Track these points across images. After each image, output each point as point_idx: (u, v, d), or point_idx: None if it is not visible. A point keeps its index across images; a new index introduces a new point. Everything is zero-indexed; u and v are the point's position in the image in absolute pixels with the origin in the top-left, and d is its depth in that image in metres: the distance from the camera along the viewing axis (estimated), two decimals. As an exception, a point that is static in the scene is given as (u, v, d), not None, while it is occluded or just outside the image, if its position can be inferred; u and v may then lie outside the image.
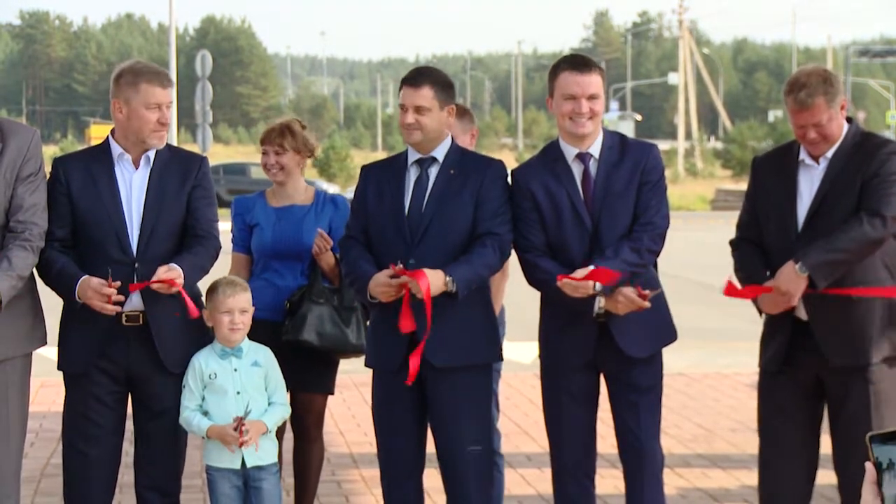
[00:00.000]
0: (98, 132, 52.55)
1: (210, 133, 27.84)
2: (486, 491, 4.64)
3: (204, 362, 4.62)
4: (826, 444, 4.54)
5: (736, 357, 10.43)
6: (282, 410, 4.70)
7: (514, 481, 6.37)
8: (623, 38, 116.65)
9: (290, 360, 4.89)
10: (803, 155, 4.46)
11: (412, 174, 4.62)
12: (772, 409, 4.51)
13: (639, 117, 70.49)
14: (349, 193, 5.47)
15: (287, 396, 4.76)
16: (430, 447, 4.69)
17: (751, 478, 6.37)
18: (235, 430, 4.50)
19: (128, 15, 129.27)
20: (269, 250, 5.18)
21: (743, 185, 47.78)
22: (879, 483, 2.06)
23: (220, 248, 4.73)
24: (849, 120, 4.46)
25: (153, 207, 4.55)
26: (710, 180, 54.66)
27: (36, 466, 6.68)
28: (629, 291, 4.38)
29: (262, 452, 4.63)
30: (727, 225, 16.21)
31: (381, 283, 4.44)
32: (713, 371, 9.83)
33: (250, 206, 5.27)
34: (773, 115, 71.00)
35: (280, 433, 5.04)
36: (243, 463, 4.60)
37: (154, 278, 4.41)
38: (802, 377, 4.44)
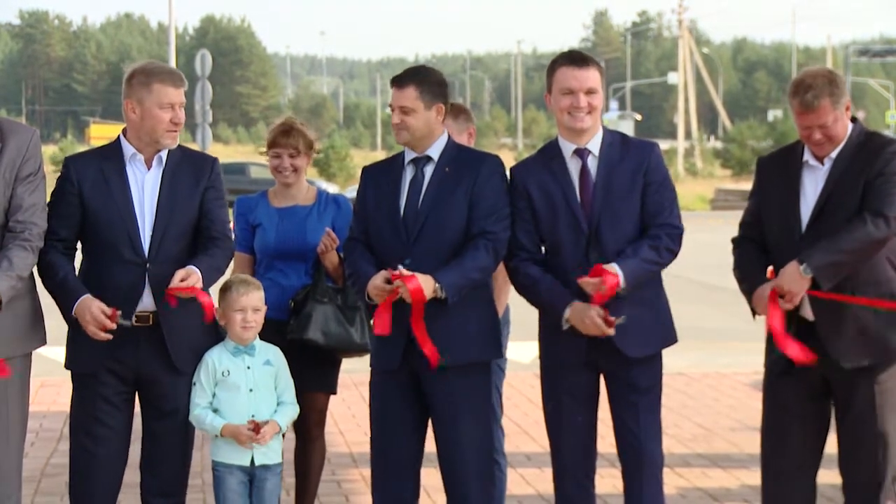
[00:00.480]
0: (97, 132, 52.53)
1: (210, 133, 27.86)
2: (487, 490, 4.64)
3: (217, 359, 4.66)
4: (830, 445, 4.54)
5: (736, 357, 10.44)
6: (292, 410, 4.75)
7: (515, 481, 6.37)
8: (622, 37, 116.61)
9: (292, 359, 4.89)
10: (807, 156, 4.46)
11: (408, 173, 4.62)
12: (776, 408, 4.51)
13: (638, 117, 70.46)
14: (349, 193, 5.49)
15: (295, 396, 4.79)
16: (431, 447, 4.69)
17: (751, 477, 6.38)
18: (251, 430, 4.56)
19: (127, 14, 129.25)
20: (273, 250, 5.19)
21: (742, 185, 47.85)
22: None
23: (234, 248, 4.75)
24: (853, 120, 4.45)
25: (166, 208, 4.55)
26: (710, 180, 54.68)
27: (36, 466, 6.68)
28: (595, 314, 4.38)
29: (271, 452, 4.69)
30: (727, 224, 16.21)
31: (376, 287, 4.45)
32: (713, 371, 9.83)
33: (253, 207, 5.28)
34: (773, 114, 71.05)
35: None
36: (252, 461, 4.64)
37: (172, 284, 4.40)
38: (808, 377, 4.44)
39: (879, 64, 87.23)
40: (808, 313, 4.40)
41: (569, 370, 4.54)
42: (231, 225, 4.77)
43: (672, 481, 6.22)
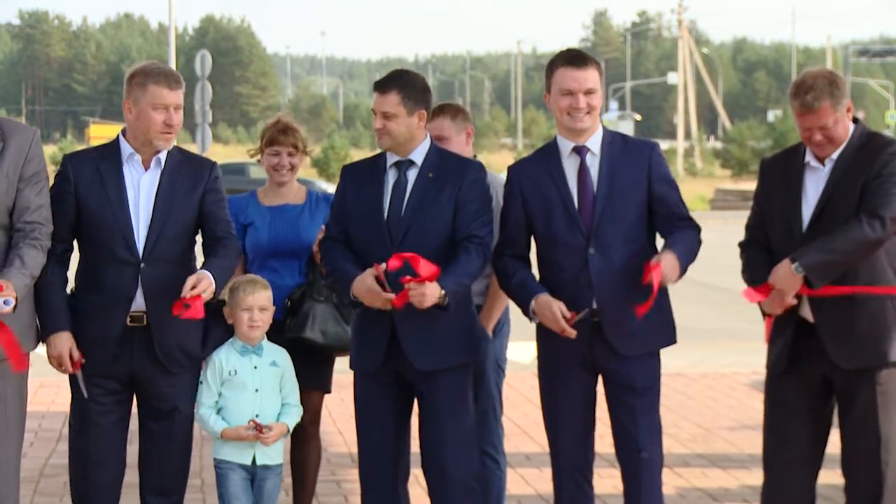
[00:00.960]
0: (97, 132, 52.53)
1: (209, 133, 27.86)
2: (472, 492, 4.61)
3: (224, 358, 4.68)
4: (832, 445, 4.53)
5: (735, 357, 10.43)
6: (297, 412, 4.78)
7: (514, 481, 6.37)
8: (622, 37, 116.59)
9: (287, 358, 4.89)
10: (809, 157, 4.46)
11: (391, 177, 4.61)
12: (778, 408, 4.51)
13: (638, 117, 70.49)
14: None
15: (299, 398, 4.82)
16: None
17: (750, 477, 6.38)
18: (253, 430, 4.58)
19: (127, 15, 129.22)
20: (267, 249, 5.19)
21: (742, 185, 47.84)
22: None
23: (240, 247, 4.77)
24: (855, 120, 4.45)
25: (163, 209, 4.55)
26: (710, 180, 54.64)
27: (35, 466, 6.67)
28: (556, 308, 4.40)
29: (272, 452, 4.71)
30: (726, 225, 16.24)
31: (368, 289, 4.43)
32: (712, 371, 9.83)
33: (243, 206, 5.28)
34: (773, 114, 71.00)
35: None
36: (253, 460, 4.66)
37: (183, 293, 4.38)
38: (809, 377, 4.44)
39: (879, 64, 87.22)
40: (806, 314, 4.39)
41: (566, 369, 4.55)
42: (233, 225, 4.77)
43: (671, 481, 6.22)
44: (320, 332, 5.09)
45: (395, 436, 4.62)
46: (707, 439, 7.46)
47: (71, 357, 4.51)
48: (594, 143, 4.56)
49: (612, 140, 4.58)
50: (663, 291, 4.56)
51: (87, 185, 4.54)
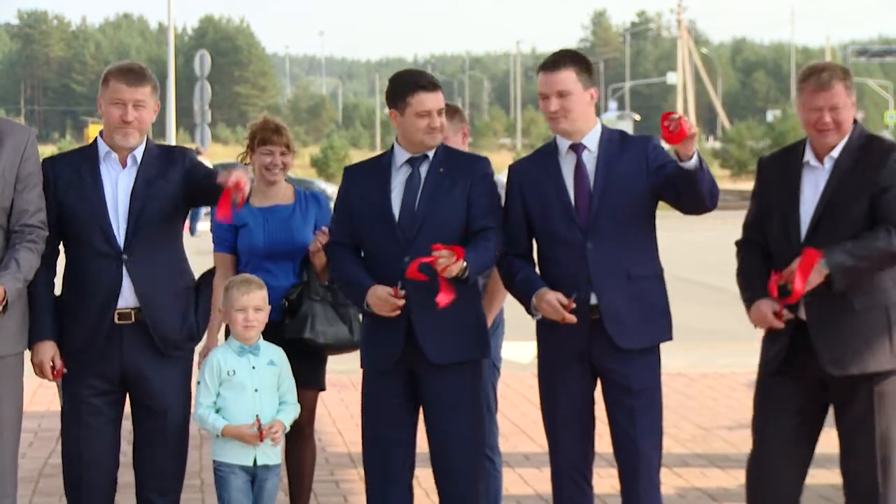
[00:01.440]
0: (96, 132, 52.21)
1: (209, 133, 27.90)
2: (479, 488, 4.63)
3: (222, 359, 4.68)
4: (825, 444, 4.54)
5: (734, 357, 10.43)
6: (294, 410, 4.78)
7: (513, 481, 6.37)
8: (621, 37, 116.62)
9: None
10: (808, 156, 4.45)
11: (402, 173, 4.62)
12: (768, 408, 4.51)
13: (637, 117, 70.46)
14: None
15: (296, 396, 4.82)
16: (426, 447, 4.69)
17: (749, 477, 6.37)
18: (256, 429, 4.57)
19: (126, 15, 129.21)
20: (262, 251, 5.19)
21: (741, 185, 47.85)
22: None
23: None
24: (854, 122, 4.44)
25: (140, 199, 4.55)
26: (709, 180, 54.58)
27: (34, 466, 6.67)
28: (552, 298, 4.41)
29: (272, 452, 4.72)
30: (726, 225, 16.23)
31: (382, 299, 4.46)
32: (712, 371, 9.83)
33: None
34: (772, 114, 71.02)
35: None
36: (254, 461, 4.66)
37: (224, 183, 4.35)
38: (804, 378, 4.43)
39: (878, 64, 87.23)
40: (802, 313, 4.39)
41: (565, 367, 4.55)
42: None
43: (670, 481, 6.22)
44: (320, 333, 5.10)
45: (402, 432, 4.63)
46: (706, 439, 7.46)
47: (54, 365, 4.52)
48: (591, 140, 4.57)
49: (611, 137, 4.59)
50: (658, 287, 4.56)
51: (66, 186, 4.55)
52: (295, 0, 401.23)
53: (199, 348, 5.24)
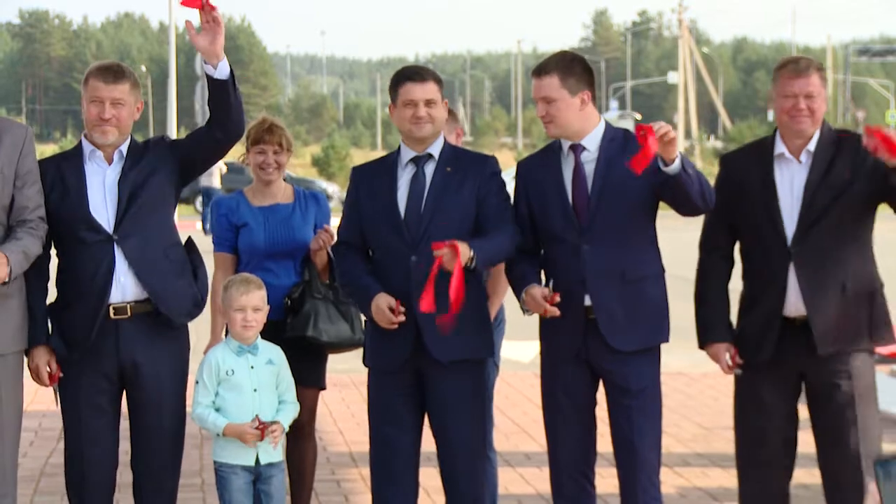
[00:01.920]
0: (97, 131, 52.53)
1: (209, 132, 27.86)
2: (483, 486, 4.65)
3: (221, 359, 4.68)
4: (805, 443, 4.55)
5: (735, 356, 10.43)
6: (294, 409, 4.78)
7: (513, 480, 6.37)
8: (622, 37, 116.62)
9: (281, 356, 4.89)
10: (780, 148, 4.48)
11: (408, 172, 4.63)
12: (754, 405, 4.52)
13: (638, 116, 70.40)
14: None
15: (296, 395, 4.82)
16: (432, 446, 4.69)
17: (750, 477, 6.37)
18: (256, 428, 4.58)
19: (127, 14, 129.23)
20: (264, 250, 5.20)
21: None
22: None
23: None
24: (822, 121, 4.50)
25: (129, 183, 4.57)
26: (710, 179, 54.56)
27: (35, 466, 6.68)
28: (536, 292, 4.42)
29: (273, 450, 4.70)
30: (727, 224, 16.28)
31: (382, 313, 4.47)
32: (712, 370, 9.76)
33: (234, 207, 5.28)
34: (773, 114, 70.94)
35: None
36: (257, 460, 4.66)
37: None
38: (785, 374, 4.46)
39: (879, 64, 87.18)
40: (793, 310, 4.42)
41: (564, 366, 4.56)
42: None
43: (671, 481, 6.23)
44: (322, 331, 5.11)
45: (408, 431, 4.63)
46: (707, 439, 7.46)
47: (49, 370, 4.53)
48: (591, 141, 4.57)
49: (614, 137, 4.59)
50: (657, 288, 4.56)
51: (49, 188, 4.56)
52: (296, 0, 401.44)
53: (204, 348, 5.26)
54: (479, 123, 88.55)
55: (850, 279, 4.39)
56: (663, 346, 4.66)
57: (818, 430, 4.47)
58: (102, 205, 4.56)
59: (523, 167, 4.70)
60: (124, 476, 4.76)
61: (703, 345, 4.67)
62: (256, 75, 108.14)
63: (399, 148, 4.71)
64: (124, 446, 4.71)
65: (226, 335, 4.88)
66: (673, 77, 72.02)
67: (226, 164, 25.91)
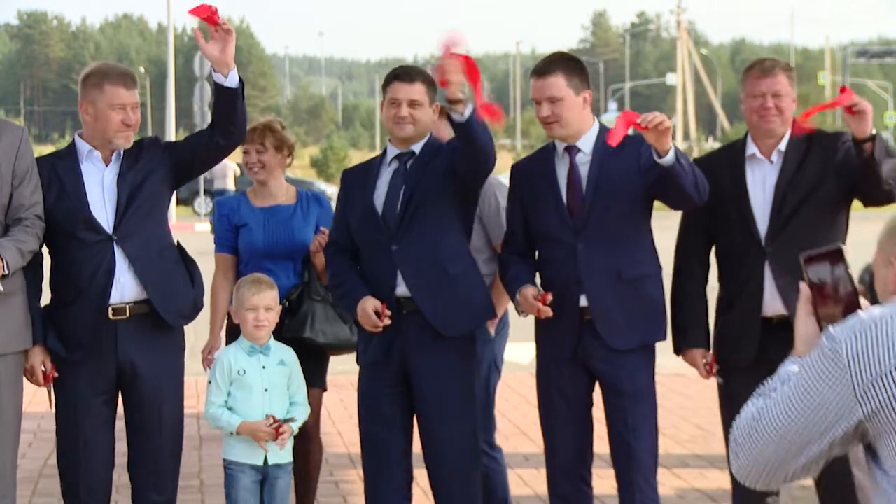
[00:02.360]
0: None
1: (208, 133, 27.85)
2: (472, 478, 4.65)
3: (233, 358, 4.71)
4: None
5: (734, 357, 10.44)
6: (304, 411, 4.80)
7: (512, 481, 6.35)
8: (621, 38, 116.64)
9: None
10: (752, 149, 4.51)
11: (390, 169, 4.67)
12: (739, 408, 4.54)
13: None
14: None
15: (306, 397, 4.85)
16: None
17: (748, 478, 6.37)
18: (270, 426, 4.59)
19: (126, 15, 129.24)
20: (262, 250, 5.21)
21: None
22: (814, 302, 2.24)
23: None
24: (793, 122, 4.53)
25: (128, 183, 4.57)
26: (708, 181, 54.67)
27: (34, 467, 6.68)
28: (529, 293, 4.43)
29: (283, 451, 4.74)
30: (725, 225, 16.29)
31: (368, 316, 4.50)
32: (711, 371, 9.82)
33: (235, 207, 5.30)
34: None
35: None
36: (265, 460, 4.68)
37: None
38: (767, 375, 4.48)
39: (877, 65, 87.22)
40: (769, 311, 4.46)
41: (557, 364, 4.57)
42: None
43: (669, 482, 6.23)
44: (319, 332, 5.12)
45: (396, 426, 4.65)
46: (706, 440, 7.46)
47: (45, 370, 4.53)
48: (585, 142, 4.58)
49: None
50: (654, 287, 4.56)
51: (46, 185, 4.56)
52: (294, 1, 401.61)
53: (202, 347, 5.27)
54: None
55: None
56: (662, 348, 4.67)
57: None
58: (101, 205, 4.56)
59: (517, 169, 4.72)
60: (122, 477, 4.76)
61: (678, 350, 4.66)
62: (255, 76, 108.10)
63: (386, 147, 4.75)
64: (119, 447, 4.71)
65: (227, 335, 4.89)
66: (671, 78, 72.05)
67: (239, 165, 25.93)
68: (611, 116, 62.07)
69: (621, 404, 4.52)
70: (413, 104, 4.58)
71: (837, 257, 2.32)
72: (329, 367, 5.42)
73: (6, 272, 4.31)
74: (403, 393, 4.63)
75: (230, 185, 24.75)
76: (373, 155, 4.96)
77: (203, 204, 31.80)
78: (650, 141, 4.24)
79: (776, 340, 4.40)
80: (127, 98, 4.56)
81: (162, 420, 4.64)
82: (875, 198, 4.39)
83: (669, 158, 4.26)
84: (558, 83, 4.50)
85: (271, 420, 4.62)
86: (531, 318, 4.64)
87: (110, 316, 4.54)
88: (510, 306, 5.21)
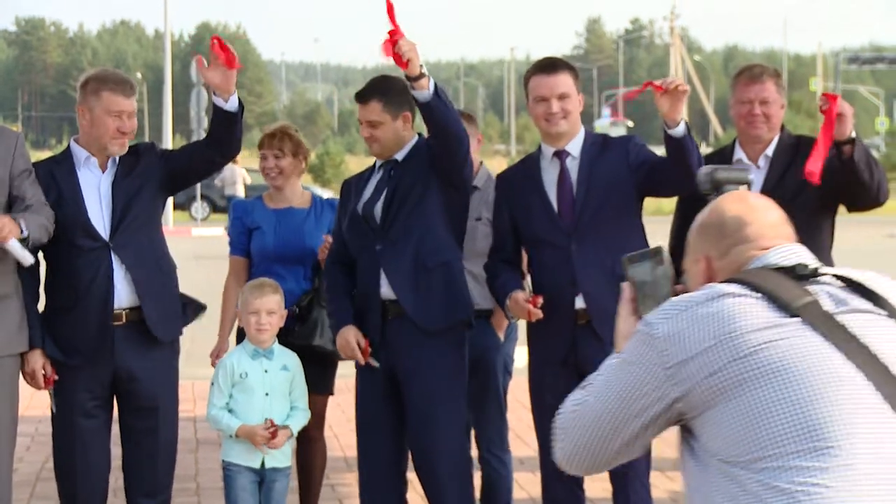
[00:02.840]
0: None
1: (204, 139, 27.84)
2: (464, 478, 4.69)
3: (236, 361, 4.75)
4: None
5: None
6: (304, 416, 4.83)
7: (507, 485, 6.39)
8: (615, 44, 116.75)
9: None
10: (739, 154, 4.56)
11: (377, 176, 4.75)
12: None
13: (631, 123, 70.60)
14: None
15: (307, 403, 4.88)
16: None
17: (741, 481, 6.39)
18: (268, 430, 4.63)
19: (123, 21, 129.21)
20: (272, 253, 5.24)
21: (736, 191, 47.97)
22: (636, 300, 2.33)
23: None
24: (782, 128, 4.57)
25: (124, 190, 4.60)
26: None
27: (31, 470, 6.69)
28: (520, 297, 4.47)
29: (281, 455, 4.77)
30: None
31: (348, 345, 4.59)
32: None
33: (249, 210, 5.34)
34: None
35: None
36: (262, 464, 4.72)
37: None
38: None
39: (869, 71, 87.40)
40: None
41: (550, 367, 4.60)
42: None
43: (663, 485, 6.26)
44: (329, 340, 5.13)
45: (389, 430, 4.69)
46: (699, 444, 7.48)
47: (45, 374, 4.55)
48: (574, 146, 4.63)
49: (594, 141, 4.66)
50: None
51: (45, 189, 4.58)
52: (291, 7, 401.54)
53: (211, 350, 5.30)
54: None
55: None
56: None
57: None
58: (99, 212, 4.59)
59: (502, 179, 4.76)
60: (118, 480, 4.78)
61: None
62: (251, 83, 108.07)
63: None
64: (114, 451, 4.73)
65: (237, 340, 4.92)
66: (666, 84, 71.97)
67: (248, 171, 25.91)
68: (604, 122, 62.15)
69: None
70: (371, 125, 4.67)
71: (659, 258, 2.40)
72: (333, 373, 5.45)
73: (24, 234, 4.31)
74: (394, 397, 4.67)
75: (240, 192, 24.75)
76: (367, 160, 5.03)
77: (200, 209, 31.81)
78: (664, 109, 4.24)
79: None
80: (124, 105, 4.59)
81: (157, 425, 4.66)
82: (857, 201, 4.44)
83: (681, 129, 4.30)
84: (568, 81, 4.57)
85: (269, 423, 4.66)
86: (525, 321, 4.67)
87: (109, 322, 4.56)
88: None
